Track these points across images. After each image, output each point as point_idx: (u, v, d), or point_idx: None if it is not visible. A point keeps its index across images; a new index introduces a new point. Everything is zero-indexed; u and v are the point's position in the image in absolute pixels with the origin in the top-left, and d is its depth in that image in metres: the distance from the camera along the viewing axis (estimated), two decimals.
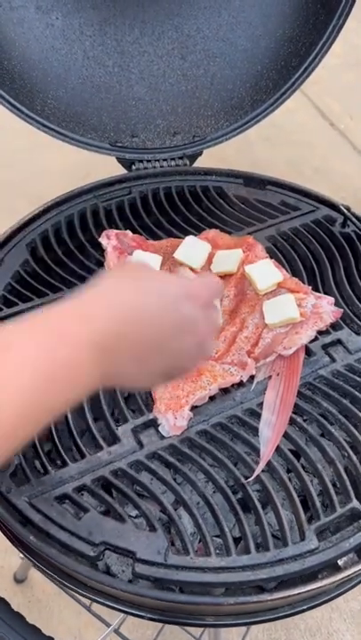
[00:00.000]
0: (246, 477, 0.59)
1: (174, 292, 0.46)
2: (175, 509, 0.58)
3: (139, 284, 0.46)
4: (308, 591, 0.54)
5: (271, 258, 0.76)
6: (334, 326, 0.72)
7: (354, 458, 0.62)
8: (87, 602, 0.59)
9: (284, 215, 0.86)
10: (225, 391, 0.66)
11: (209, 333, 0.50)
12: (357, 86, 2.19)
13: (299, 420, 0.64)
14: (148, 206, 0.87)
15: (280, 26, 0.91)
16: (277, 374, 0.67)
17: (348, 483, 0.59)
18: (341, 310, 0.73)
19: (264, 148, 1.90)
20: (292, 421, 0.63)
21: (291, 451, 0.62)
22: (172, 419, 0.61)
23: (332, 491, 0.58)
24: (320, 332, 0.71)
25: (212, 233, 0.80)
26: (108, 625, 0.71)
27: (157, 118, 0.95)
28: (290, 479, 0.60)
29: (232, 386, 0.66)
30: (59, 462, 0.60)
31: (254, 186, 0.91)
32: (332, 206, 0.87)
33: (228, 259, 0.74)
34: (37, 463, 0.60)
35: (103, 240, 0.76)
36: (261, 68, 0.93)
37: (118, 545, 0.54)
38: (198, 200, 0.89)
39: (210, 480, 0.60)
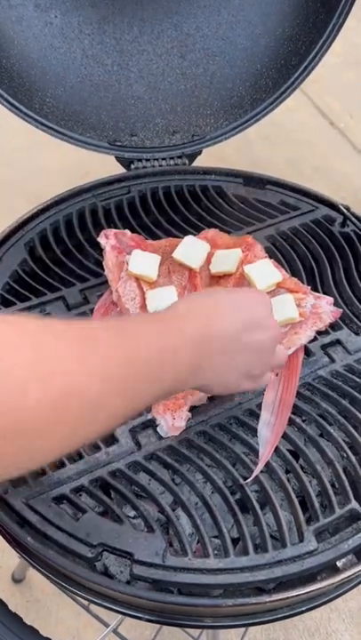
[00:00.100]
0: (245, 478, 0.59)
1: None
2: (173, 510, 0.58)
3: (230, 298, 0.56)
4: (307, 593, 0.54)
5: (270, 258, 0.76)
6: (333, 326, 0.72)
7: (353, 459, 0.61)
8: (85, 602, 0.59)
9: (284, 215, 0.86)
10: None
11: (278, 330, 0.58)
12: (357, 85, 2.18)
13: (298, 420, 0.64)
14: (146, 205, 0.87)
15: (280, 24, 0.91)
16: (276, 374, 0.66)
17: (346, 484, 0.59)
18: (341, 310, 0.72)
19: (264, 147, 1.90)
20: (291, 422, 0.63)
21: (290, 451, 0.62)
22: (171, 419, 0.61)
23: (330, 492, 0.58)
24: (319, 333, 0.71)
25: (211, 232, 0.79)
26: (106, 625, 0.71)
27: (156, 117, 0.94)
28: (289, 480, 0.60)
29: None
30: (56, 463, 0.60)
31: (254, 185, 0.91)
32: (332, 206, 0.87)
33: (227, 258, 0.74)
34: None
35: (102, 239, 0.76)
36: (261, 66, 0.93)
37: (116, 546, 0.54)
38: (197, 199, 0.89)
39: (208, 481, 0.59)
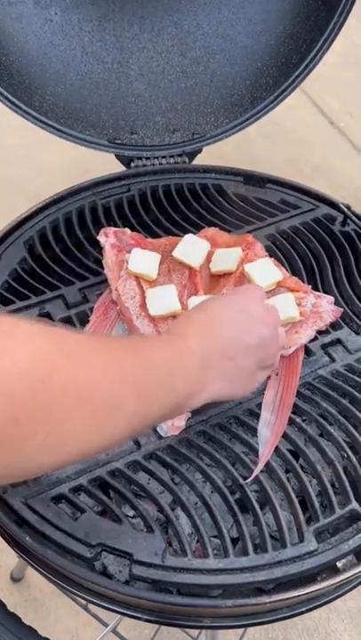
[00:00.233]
0: (245, 478, 0.58)
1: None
2: (173, 510, 0.58)
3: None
4: (307, 593, 0.53)
5: (271, 256, 0.76)
6: (334, 326, 0.72)
7: (353, 458, 0.61)
8: (84, 602, 0.59)
9: (284, 213, 0.86)
10: None
11: (276, 321, 0.59)
12: (357, 85, 2.18)
13: (298, 420, 0.63)
14: (146, 204, 0.87)
15: (280, 22, 0.90)
16: (276, 374, 0.66)
17: (347, 484, 0.59)
18: (341, 310, 0.72)
19: (264, 145, 1.90)
20: (291, 422, 0.63)
21: (290, 451, 0.61)
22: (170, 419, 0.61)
23: (331, 492, 0.58)
24: (320, 332, 0.70)
25: (212, 231, 0.79)
26: (105, 624, 0.71)
27: (156, 115, 0.94)
28: (288, 480, 0.60)
29: None
30: None
31: (254, 184, 0.91)
32: (332, 205, 0.87)
33: (228, 257, 0.74)
34: None
35: (101, 238, 0.76)
36: (261, 65, 0.92)
37: (115, 546, 0.53)
38: (197, 198, 0.89)
39: (208, 480, 0.59)
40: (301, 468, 0.60)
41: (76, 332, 0.45)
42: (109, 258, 0.74)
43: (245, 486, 0.58)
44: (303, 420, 0.64)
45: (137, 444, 0.61)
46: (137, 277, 0.71)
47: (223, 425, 0.63)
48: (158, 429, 0.61)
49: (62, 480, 0.57)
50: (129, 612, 0.55)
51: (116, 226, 0.81)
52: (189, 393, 0.50)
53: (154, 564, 0.52)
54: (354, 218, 0.84)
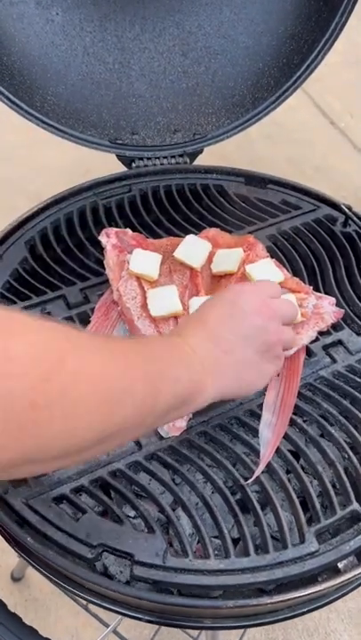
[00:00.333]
0: (246, 478, 0.58)
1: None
2: (173, 510, 0.58)
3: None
4: (308, 594, 0.53)
5: (272, 257, 0.76)
6: (335, 327, 0.72)
7: (354, 459, 0.61)
8: (85, 602, 0.59)
9: (285, 214, 0.86)
10: None
11: (274, 312, 0.58)
12: (358, 84, 2.18)
13: (299, 420, 0.63)
14: (148, 204, 0.87)
15: (282, 23, 0.90)
16: (278, 375, 0.66)
17: (348, 484, 0.59)
18: (343, 311, 0.72)
19: (265, 146, 1.90)
20: (292, 422, 0.63)
21: (290, 452, 0.61)
22: None
23: (332, 492, 0.58)
24: (321, 333, 0.70)
25: (213, 232, 0.79)
26: (105, 624, 0.71)
27: (158, 115, 0.94)
28: (289, 480, 0.60)
29: None
30: None
31: (255, 184, 0.91)
32: (334, 205, 0.87)
33: (229, 258, 0.74)
34: None
35: (102, 238, 0.76)
36: (263, 65, 0.92)
37: (116, 547, 0.53)
38: (199, 198, 0.89)
39: (209, 481, 0.59)
40: (302, 468, 0.60)
41: (78, 330, 0.47)
42: (111, 258, 0.74)
43: (246, 487, 0.58)
44: (304, 421, 0.64)
45: (138, 444, 0.61)
46: (138, 278, 0.71)
47: (224, 426, 0.63)
48: (159, 430, 0.62)
49: (63, 480, 0.57)
50: (130, 613, 0.55)
51: (117, 226, 0.81)
52: (194, 386, 0.50)
53: (155, 565, 0.52)
54: (355, 218, 0.84)
